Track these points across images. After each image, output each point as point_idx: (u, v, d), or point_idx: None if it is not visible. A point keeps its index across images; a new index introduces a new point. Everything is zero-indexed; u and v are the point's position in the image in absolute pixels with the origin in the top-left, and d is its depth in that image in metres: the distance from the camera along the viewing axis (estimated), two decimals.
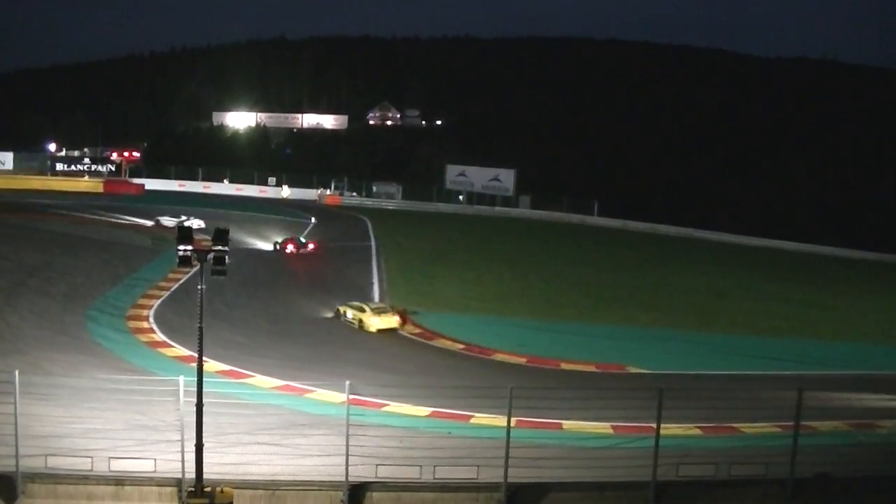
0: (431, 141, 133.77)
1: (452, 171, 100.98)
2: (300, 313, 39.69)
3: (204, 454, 16.79)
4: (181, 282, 42.05)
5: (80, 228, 59.63)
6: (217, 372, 28.05)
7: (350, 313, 37.53)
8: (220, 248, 17.21)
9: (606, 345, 36.75)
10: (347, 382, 17.88)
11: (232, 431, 20.82)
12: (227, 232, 17.45)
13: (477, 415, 24.47)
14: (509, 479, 17.32)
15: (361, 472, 17.44)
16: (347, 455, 17.09)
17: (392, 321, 36.97)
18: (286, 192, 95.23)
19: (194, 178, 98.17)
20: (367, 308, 37.41)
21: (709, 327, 41.87)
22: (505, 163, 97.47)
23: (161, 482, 17.16)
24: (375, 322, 36.52)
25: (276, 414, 24.00)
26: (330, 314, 39.04)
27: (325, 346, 33.90)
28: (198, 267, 17.43)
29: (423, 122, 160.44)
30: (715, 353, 36.27)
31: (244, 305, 40.01)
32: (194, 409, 16.83)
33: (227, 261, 17.37)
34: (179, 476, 16.94)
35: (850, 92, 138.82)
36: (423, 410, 25.20)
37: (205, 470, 16.77)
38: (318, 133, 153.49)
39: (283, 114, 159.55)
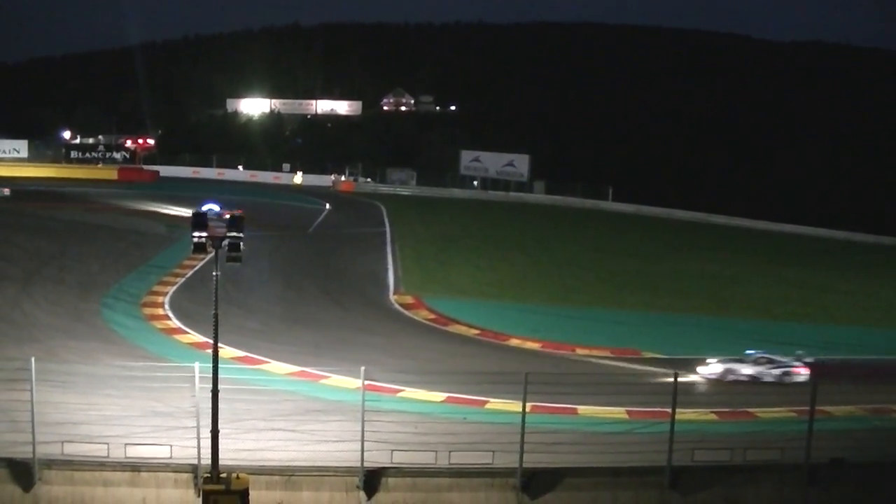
0: (445, 127, 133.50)
1: (467, 157, 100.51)
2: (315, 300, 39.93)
3: (220, 440, 16.82)
4: (196, 268, 42.16)
5: (95, 217, 59.83)
6: (232, 358, 28.11)
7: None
8: (234, 234, 17.16)
9: (621, 330, 36.59)
10: (363, 368, 17.90)
11: (247, 418, 20.89)
12: (242, 218, 17.39)
13: (492, 400, 24.48)
14: (524, 465, 17.31)
15: (377, 457, 17.47)
16: (363, 441, 17.12)
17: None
18: (299, 178, 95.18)
19: (208, 165, 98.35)
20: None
21: (724, 312, 41.65)
22: (519, 148, 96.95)
23: (177, 468, 17.25)
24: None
25: (291, 400, 24.08)
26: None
27: (340, 332, 33.95)
28: (213, 253, 17.39)
29: (437, 108, 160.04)
30: (730, 338, 36.05)
31: (259, 292, 40.22)
32: (210, 395, 16.84)
33: (242, 247, 17.32)
34: (195, 462, 17.01)
35: (866, 76, 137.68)
36: (439, 396, 25.23)
37: (220, 456, 16.79)
38: (332, 119, 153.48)
39: (297, 100, 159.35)
